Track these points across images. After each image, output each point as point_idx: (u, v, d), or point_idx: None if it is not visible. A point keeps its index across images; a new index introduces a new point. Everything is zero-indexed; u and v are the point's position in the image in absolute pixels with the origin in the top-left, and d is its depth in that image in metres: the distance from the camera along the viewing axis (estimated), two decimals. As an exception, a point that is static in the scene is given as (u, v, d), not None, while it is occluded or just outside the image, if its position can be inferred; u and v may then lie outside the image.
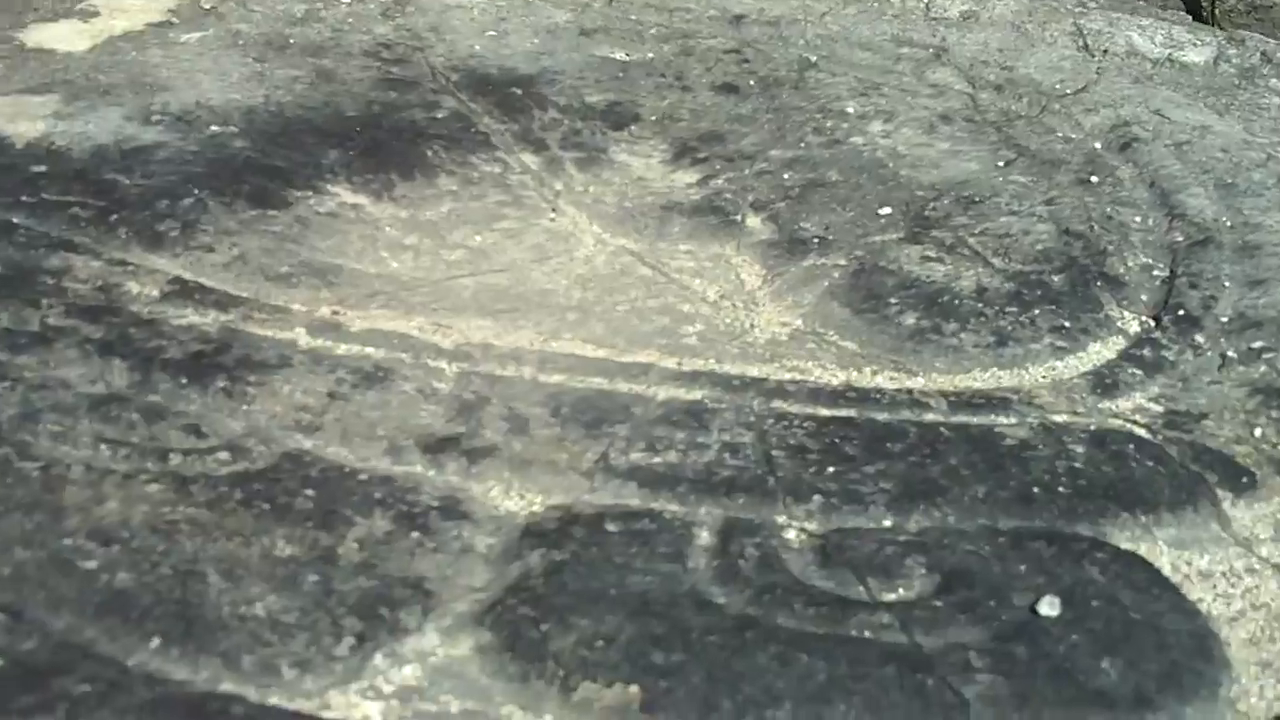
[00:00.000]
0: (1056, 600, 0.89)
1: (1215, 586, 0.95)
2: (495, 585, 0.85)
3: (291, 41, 1.53)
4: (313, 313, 1.10)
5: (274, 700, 0.76)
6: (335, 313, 1.11)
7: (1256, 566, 0.98)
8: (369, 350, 1.07)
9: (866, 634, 0.84)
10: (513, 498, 0.94)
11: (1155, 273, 1.26)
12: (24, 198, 1.18)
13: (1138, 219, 1.35)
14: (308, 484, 0.91)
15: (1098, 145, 1.48)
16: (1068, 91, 1.58)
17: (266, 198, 1.24)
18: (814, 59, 1.59)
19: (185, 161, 1.27)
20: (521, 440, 0.98)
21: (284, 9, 1.63)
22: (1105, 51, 1.68)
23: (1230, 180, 1.41)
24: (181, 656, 0.77)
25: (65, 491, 0.88)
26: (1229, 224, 1.34)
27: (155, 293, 1.10)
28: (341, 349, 1.07)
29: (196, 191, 1.23)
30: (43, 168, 1.23)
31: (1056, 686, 0.83)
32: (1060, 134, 1.50)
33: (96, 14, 1.54)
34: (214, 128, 1.34)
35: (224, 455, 0.94)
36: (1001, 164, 1.42)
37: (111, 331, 1.03)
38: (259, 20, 1.59)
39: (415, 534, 0.89)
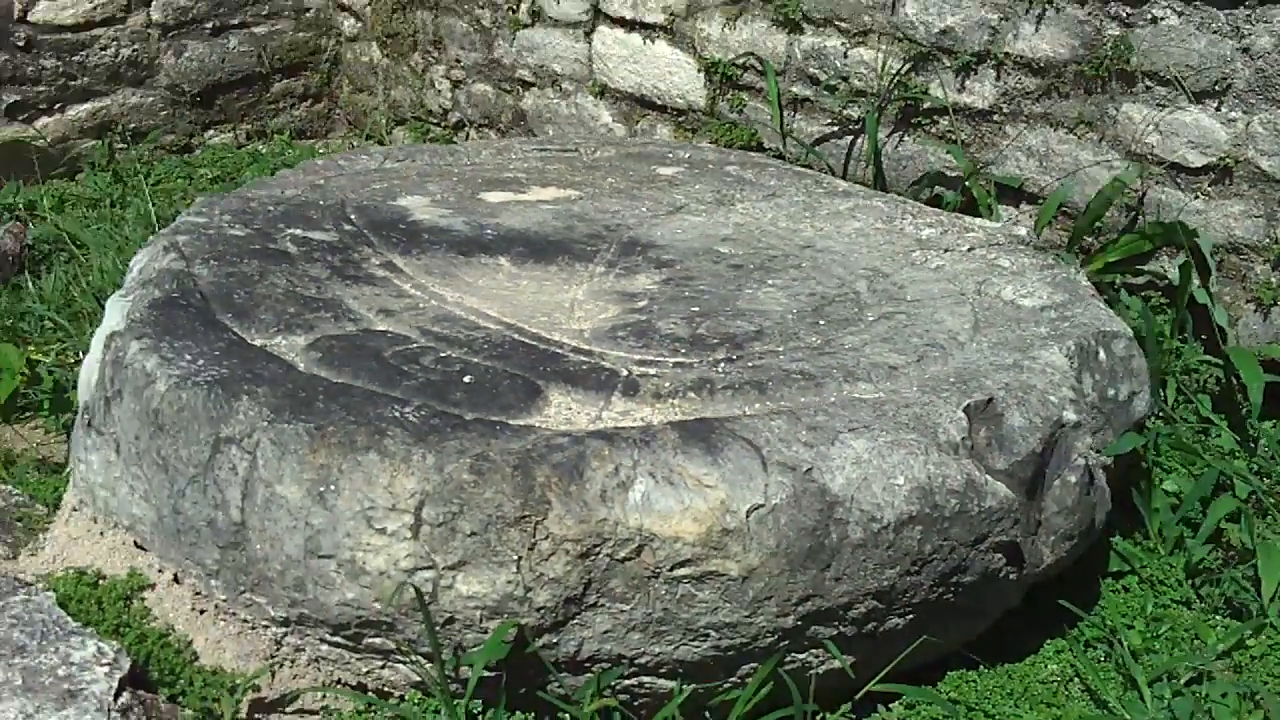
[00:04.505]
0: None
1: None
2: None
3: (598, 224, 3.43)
4: (423, 285, 3.02)
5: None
6: (422, 285, 3.02)
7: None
8: (414, 291, 2.96)
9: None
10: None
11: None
12: (383, 231, 3.24)
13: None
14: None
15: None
16: (901, 296, 2.98)
17: (465, 251, 3.17)
18: (803, 265, 3.15)
19: (453, 239, 3.24)
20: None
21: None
22: (986, 294, 3.02)
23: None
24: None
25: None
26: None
27: (377, 262, 3.09)
28: (409, 291, 2.98)
29: (436, 244, 3.20)
30: (403, 225, 3.27)
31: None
32: (847, 308, 2.93)
33: (525, 191, 3.56)
34: (489, 231, 3.30)
35: (324, 268, 2.90)
36: (794, 313, 2.92)
37: (343, 263, 3.01)
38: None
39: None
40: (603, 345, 2.66)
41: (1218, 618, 2.82)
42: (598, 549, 2.24)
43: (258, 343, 2.57)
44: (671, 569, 2.26)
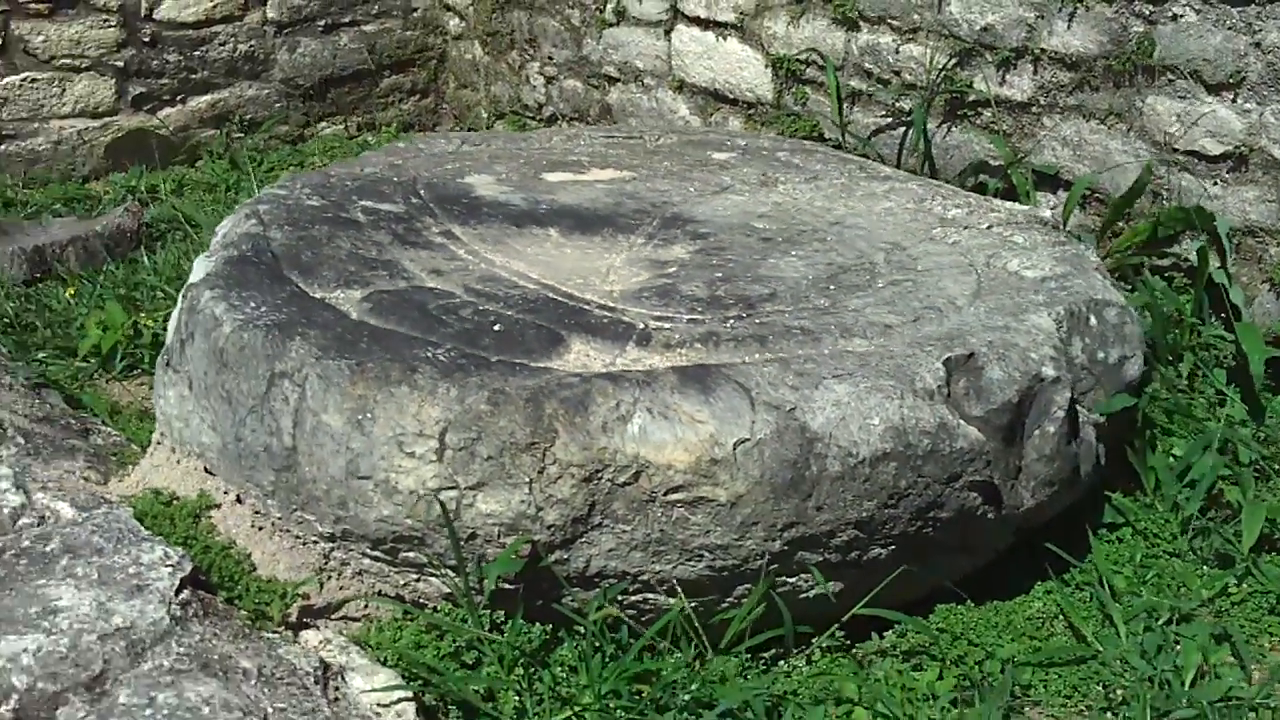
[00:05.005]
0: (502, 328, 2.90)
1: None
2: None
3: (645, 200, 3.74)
4: (475, 250, 3.35)
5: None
6: (474, 251, 3.35)
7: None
8: (466, 256, 3.29)
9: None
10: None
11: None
12: (447, 205, 3.57)
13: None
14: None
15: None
16: (913, 266, 3.24)
17: (519, 223, 3.50)
18: (828, 239, 3.43)
19: (509, 212, 3.57)
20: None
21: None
22: (994, 266, 3.27)
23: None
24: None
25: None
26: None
27: (437, 230, 3.42)
28: (461, 255, 3.30)
29: (493, 216, 3.52)
30: (465, 200, 3.60)
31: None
32: (860, 276, 3.20)
33: (585, 172, 3.87)
34: (543, 206, 3.61)
35: (387, 234, 3.24)
36: (809, 277, 3.19)
37: (406, 230, 3.34)
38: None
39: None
40: (627, 304, 2.95)
41: (1205, 568, 3.03)
42: (600, 474, 2.53)
43: (317, 295, 2.90)
44: (666, 494, 2.54)
